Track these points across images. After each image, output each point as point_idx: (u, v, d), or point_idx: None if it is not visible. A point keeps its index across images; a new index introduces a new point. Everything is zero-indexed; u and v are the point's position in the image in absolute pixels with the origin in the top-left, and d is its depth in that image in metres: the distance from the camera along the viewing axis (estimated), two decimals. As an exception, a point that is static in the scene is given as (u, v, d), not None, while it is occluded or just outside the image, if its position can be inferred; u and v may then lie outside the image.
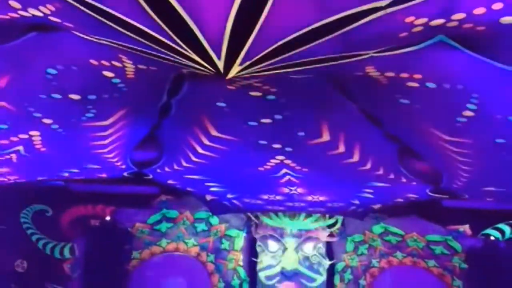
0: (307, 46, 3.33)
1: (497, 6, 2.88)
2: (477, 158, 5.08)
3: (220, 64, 3.49)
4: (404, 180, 6.17)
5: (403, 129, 5.03)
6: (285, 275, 8.42)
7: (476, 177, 5.67)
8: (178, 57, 3.51)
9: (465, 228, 8.18)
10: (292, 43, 3.27)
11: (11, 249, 8.34)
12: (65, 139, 5.33)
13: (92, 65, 4.02)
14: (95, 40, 3.64)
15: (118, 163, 6.39)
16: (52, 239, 8.48)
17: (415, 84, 3.97)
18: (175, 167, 6.39)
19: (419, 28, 3.17)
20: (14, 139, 5.20)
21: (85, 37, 3.63)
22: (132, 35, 3.34)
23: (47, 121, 4.87)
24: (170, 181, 7.20)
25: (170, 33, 3.20)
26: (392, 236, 8.50)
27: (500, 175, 5.55)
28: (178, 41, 3.28)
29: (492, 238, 8.04)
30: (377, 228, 8.54)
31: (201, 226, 8.70)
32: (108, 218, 8.41)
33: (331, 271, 8.56)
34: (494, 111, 4.15)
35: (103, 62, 3.99)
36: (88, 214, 8.53)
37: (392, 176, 6.08)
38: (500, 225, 8.02)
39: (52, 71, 4.07)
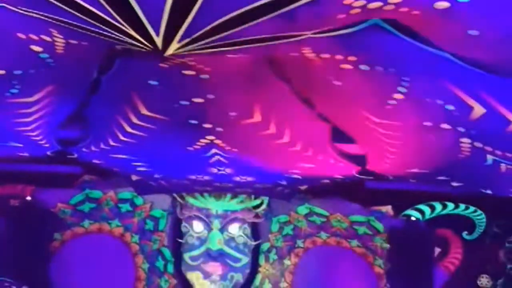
0: (247, 25, 3.31)
1: (433, -10, 2.94)
2: (404, 140, 5.21)
3: (159, 41, 3.43)
4: (332, 161, 6.26)
5: (334, 111, 5.11)
6: (210, 256, 8.39)
7: (401, 158, 5.82)
8: (115, 32, 3.41)
9: (387, 209, 8.37)
10: (232, 21, 3.24)
11: None
12: (-13, 116, 5.15)
13: (20, 38, 3.86)
14: (25, 12, 3.50)
15: (42, 142, 6.19)
16: (-30, 219, 8.18)
17: (349, 66, 4.02)
18: (102, 146, 6.24)
19: (357, 10, 3.20)
20: None
21: (14, 9, 3.48)
22: (67, 8, 3.23)
23: (-32, 96, 4.69)
24: (95, 161, 7.04)
25: (108, 7, 3.12)
26: (316, 216, 8.59)
27: (424, 156, 5.72)
28: (116, 16, 3.19)
29: (413, 218, 8.27)
30: (302, 209, 8.61)
31: (125, 207, 8.55)
32: (28, 198, 8.16)
33: (256, 251, 8.59)
34: (423, 95, 4.27)
35: (32, 36, 3.83)
36: (7, 193, 8.20)
37: (320, 157, 6.16)
38: (421, 206, 8.22)
39: (-25, 43, 3.91)
